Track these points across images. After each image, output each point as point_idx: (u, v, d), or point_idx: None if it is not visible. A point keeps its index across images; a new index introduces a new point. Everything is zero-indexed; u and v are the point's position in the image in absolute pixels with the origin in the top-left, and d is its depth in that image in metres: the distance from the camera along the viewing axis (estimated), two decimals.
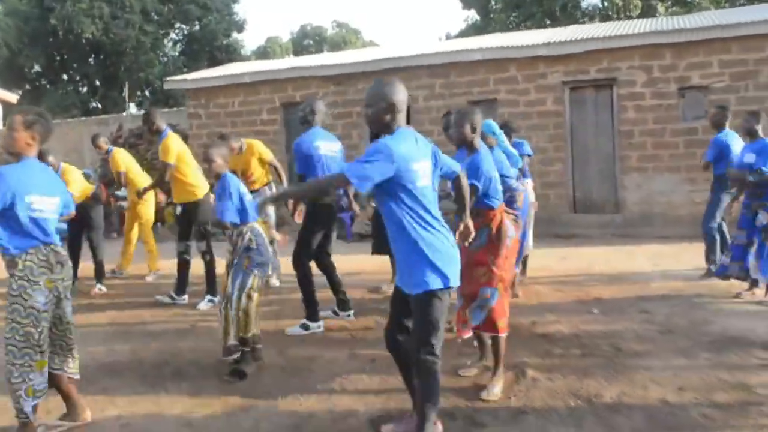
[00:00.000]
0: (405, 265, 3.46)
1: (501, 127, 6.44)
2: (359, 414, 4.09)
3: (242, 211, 5.03)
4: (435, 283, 3.37)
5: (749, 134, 6.88)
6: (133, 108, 31.43)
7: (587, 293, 7.16)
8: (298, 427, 3.94)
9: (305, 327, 6.00)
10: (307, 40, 53.19)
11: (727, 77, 10.98)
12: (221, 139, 7.90)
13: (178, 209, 7.31)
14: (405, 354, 3.62)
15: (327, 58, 15.78)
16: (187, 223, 7.29)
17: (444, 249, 3.42)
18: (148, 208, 8.99)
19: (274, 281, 7.90)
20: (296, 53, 45.58)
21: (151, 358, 5.43)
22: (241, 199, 5.03)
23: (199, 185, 7.32)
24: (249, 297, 4.85)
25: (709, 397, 4.18)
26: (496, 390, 4.35)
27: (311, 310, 6.06)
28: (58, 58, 28.56)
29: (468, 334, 4.70)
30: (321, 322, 6.06)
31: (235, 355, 4.88)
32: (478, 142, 4.69)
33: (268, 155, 8.21)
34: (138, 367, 5.19)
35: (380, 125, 3.46)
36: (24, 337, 3.65)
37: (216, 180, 5.13)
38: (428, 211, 3.40)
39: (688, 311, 6.25)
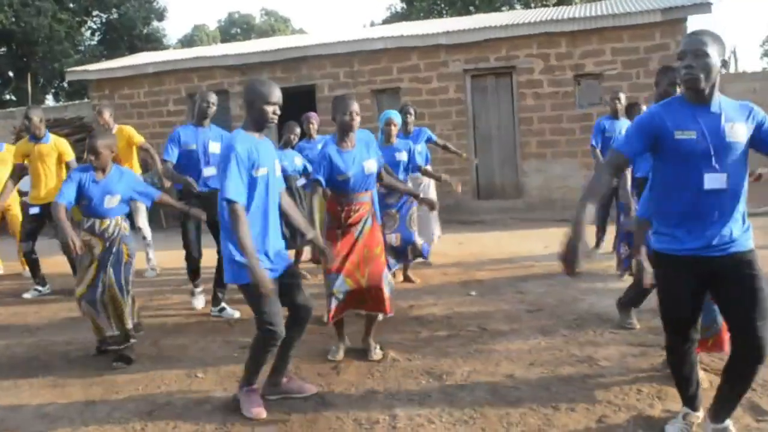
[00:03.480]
0: None
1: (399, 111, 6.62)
2: (214, 399, 4.19)
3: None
4: None
5: None
6: (50, 99, 30.53)
7: (471, 276, 7.38)
8: (150, 414, 4.01)
9: None
10: (235, 29, 52.58)
11: (619, 65, 11.36)
12: (97, 113, 7.73)
13: (36, 209, 7.26)
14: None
15: (231, 48, 15.60)
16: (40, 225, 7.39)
17: None
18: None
19: (150, 272, 8.03)
20: (224, 41, 44.91)
21: (23, 352, 5.41)
22: None
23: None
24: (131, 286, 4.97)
25: (556, 371, 4.40)
26: (378, 350, 4.85)
27: None
28: None
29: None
30: None
31: (133, 340, 4.96)
32: None
33: (138, 138, 7.93)
34: (8, 362, 5.18)
35: None
36: None
37: (103, 174, 4.98)
38: None
39: (561, 290, 6.48)
